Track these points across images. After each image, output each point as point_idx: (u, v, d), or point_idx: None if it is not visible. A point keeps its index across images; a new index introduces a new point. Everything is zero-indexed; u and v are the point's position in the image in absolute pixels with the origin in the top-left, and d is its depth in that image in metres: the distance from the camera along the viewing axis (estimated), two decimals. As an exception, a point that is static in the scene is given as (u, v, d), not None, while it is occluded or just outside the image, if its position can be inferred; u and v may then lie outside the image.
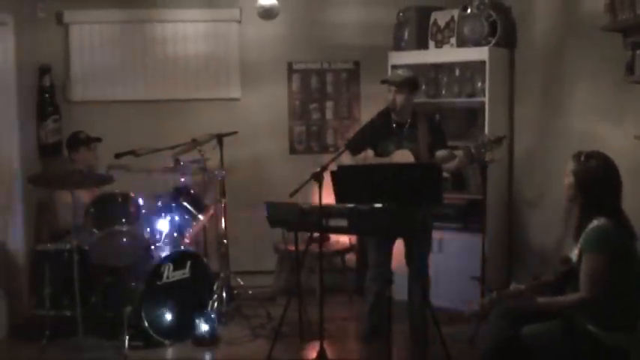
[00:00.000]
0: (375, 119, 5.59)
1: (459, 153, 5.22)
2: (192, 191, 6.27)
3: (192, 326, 5.73)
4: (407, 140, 5.42)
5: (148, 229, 5.89)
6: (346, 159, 5.50)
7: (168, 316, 5.77)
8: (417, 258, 5.44)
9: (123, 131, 6.91)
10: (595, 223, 3.69)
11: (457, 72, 6.66)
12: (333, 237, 6.91)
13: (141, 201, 5.88)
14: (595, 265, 3.61)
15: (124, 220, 5.67)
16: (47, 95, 6.84)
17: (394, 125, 5.51)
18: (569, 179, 3.81)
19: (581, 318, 3.70)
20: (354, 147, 5.57)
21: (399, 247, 5.53)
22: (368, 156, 5.55)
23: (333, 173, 4.74)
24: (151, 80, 7.13)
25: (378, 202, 4.77)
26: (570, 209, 3.88)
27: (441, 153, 5.32)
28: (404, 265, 5.54)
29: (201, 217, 6.20)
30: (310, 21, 7.27)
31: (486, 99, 6.28)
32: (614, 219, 3.68)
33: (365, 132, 5.64)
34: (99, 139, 6.36)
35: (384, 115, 5.51)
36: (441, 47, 6.67)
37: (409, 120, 5.49)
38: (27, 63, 6.55)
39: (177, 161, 6.26)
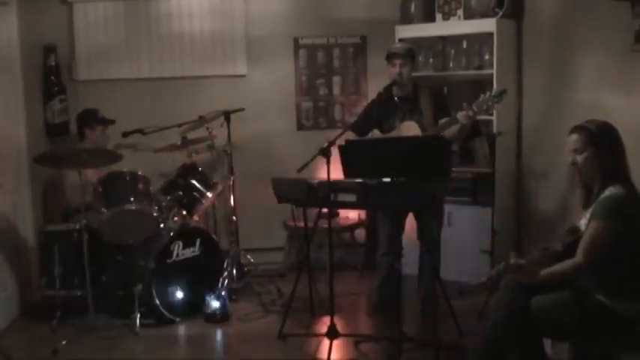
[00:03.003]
0: (379, 95, 5.59)
1: (461, 114, 5.17)
2: (200, 169, 6.25)
3: (203, 303, 5.75)
4: (411, 113, 5.43)
5: (157, 207, 5.87)
6: (353, 135, 5.50)
7: (179, 294, 5.79)
8: (428, 232, 5.44)
9: (129, 110, 6.87)
10: (607, 192, 3.66)
11: (464, 44, 6.61)
12: (343, 212, 6.90)
13: (149, 179, 5.87)
14: (599, 232, 3.59)
15: (132, 199, 5.66)
16: (53, 75, 6.80)
17: (397, 99, 5.51)
18: (585, 153, 3.74)
19: (590, 287, 3.69)
20: (360, 129, 5.57)
21: (411, 221, 5.53)
22: (374, 133, 5.55)
23: (341, 148, 4.72)
24: (156, 58, 7.08)
25: (387, 177, 4.76)
26: (579, 179, 3.85)
27: (443, 120, 5.28)
28: (414, 239, 5.55)
29: (209, 194, 6.19)
30: (316, -5, 7.24)
31: (494, 71, 6.23)
32: (627, 186, 3.66)
33: (371, 110, 5.64)
34: (113, 122, 6.36)
35: (386, 91, 5.51)
36: (448, 19, 6.63)
37: (411, 93, 5.49)
38: (31, 43, 6.52)
39: (184, 139, 6.25)
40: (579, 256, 3.62)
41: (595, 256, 3.59)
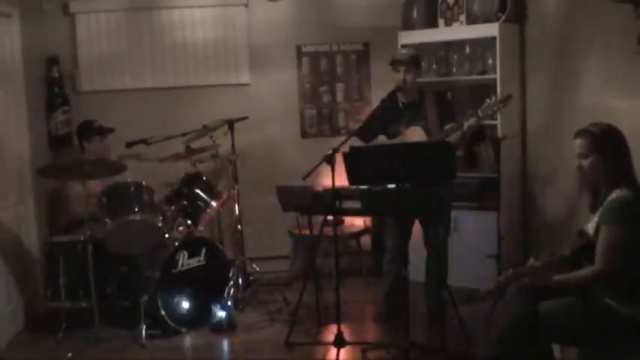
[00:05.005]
0: (384, 101, 5.57)
1: (467, 119, 5.15)
2: (204, 178, 6.24)
3: (209, 313, 5.73)
4: (416, 118, 5.41)
5: (162, 217, 5.86)
6: (358, 142, 5.48)
7: (185, 304, 5.78)
8: (435, 239, 5.42)
9: (133, 120, 6.88)
10: (614, 195, 3.64)
11: (467, 49, 6.59)
12: (348, 219, 6.88)
13: (153, 189, 5.86)
14: (612, 237, 3.57)
15: (137, 209, 5.65)
16: (56, 86, 6.79)
17: (402, 105, 5.50)
18: (590, 158, 3.72)
19: (599, 291, 3.66)
20: (366, 135, 5.55)
21: (417, 227, 5.51)
22: (378, 139, 5.53)
23: (345, 155, 4.71)
24: (159, 68, 7.09)
25: (392, 183, 4.74)
26: (586, 183, 3.83)
27: (448, 125, 5.26)
28: (421, 246, 5.53)
29: (214, 203, 6.18)
30: (318, 2, 7.22)
31: (498, 76, 6.21)
32: (634, 189, 3.64)
33: (376, 116, 5.63)
34: (112, 130, 6.34)
35: (391, 96, 5.49)
36: (451, 25, 6.61)
37: (416, 98, 5.48)
38: (34, 54, 6.52)
39: (188, 148, 6.24)
40: (599, 263, 3.59)
41: (614, 261, 3.56)
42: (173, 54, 7.10)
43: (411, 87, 5.44)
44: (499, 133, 6.11)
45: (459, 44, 6.64)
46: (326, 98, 7.35)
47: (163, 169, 6.35)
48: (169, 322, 5.61)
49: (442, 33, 6.68)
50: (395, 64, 5.44)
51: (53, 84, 6.80)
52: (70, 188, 6.00)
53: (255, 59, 7.19)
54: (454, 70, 6.68)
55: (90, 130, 6.28)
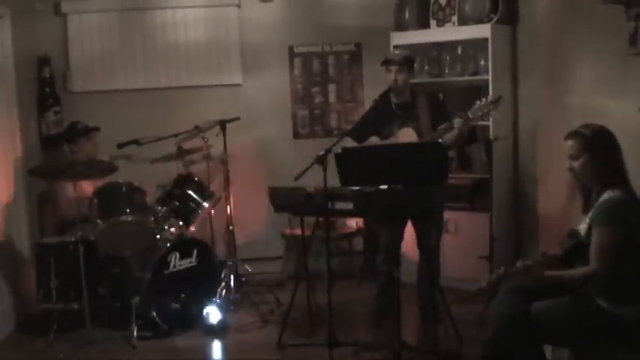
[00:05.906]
0: (376, 102, 5.54)
1: (457, 120, 5.14)
2: (196, 179, 6.23)
3: (201, 315, 5.72)
4: (409, 120, 5.39)
5: (153, 218, 5.84)
6: (350, 142, 5.47)
7: (176, 305, 5.77)
8: (427, 240, 5.41)
9: (125, 121, 6.87)
10: (605, 196, 3.65)
11: (459, 50, 6.59)
12: (340, 221, 6.87)
13: (145, 190, 5.84)
14: (607, 238, 3.57)
15: (128, 210, 5.63)
16: (47, 87, 6.78)
17: (394, 106, 5.49)
18: (581, 159, 3.73)
19: (590, 292, 3.67)
20: (358, 135, 5.53)
21: (410, 229, 5.51)
22: (371, 140, 5.52)
23: (337, 156, 4.70)
24: (151, 68, 7.08)
25: (384, 184, 4.74)
26: (578, 184, 3.84)
27: (441, 126, 5.25)
28: (414, 247, 5.52)
29: (206, 204, 6.16)
30: (310, 3, 7.21)
31: (490, 77, 6.22)
32: (625, 189, 3.64)
33: (368, 118, 5.60)
34: (97, 129, 6.31)
35: (383, 97, 5.47)
36: (443, 26, 6.61)
37: (409, 99, 5.47)
38: (25, 55, 6.50)
39: (180, 149, 6.23)
40: (594, 264, 3.59)
41: (609, 262, 3.56)
42: (165, 54, 7.09)
43: (403, 88, 5.42)
44: (491, 135, 6.11)
45: (451, 45, 6.64)
46: (318, 99, 7.34)
47: (155, 169, 6.31)
48: (161, 323, 5.61)
49: (434, 34, 6.68)
50: (387, 63, 5.43)
51: (44, 84, 6.78)
52: (61, 189, 5.97)
53: (248, 60, 7.18)
54: (446, 71, 6.68)
55: (75, 133, 6.23)
